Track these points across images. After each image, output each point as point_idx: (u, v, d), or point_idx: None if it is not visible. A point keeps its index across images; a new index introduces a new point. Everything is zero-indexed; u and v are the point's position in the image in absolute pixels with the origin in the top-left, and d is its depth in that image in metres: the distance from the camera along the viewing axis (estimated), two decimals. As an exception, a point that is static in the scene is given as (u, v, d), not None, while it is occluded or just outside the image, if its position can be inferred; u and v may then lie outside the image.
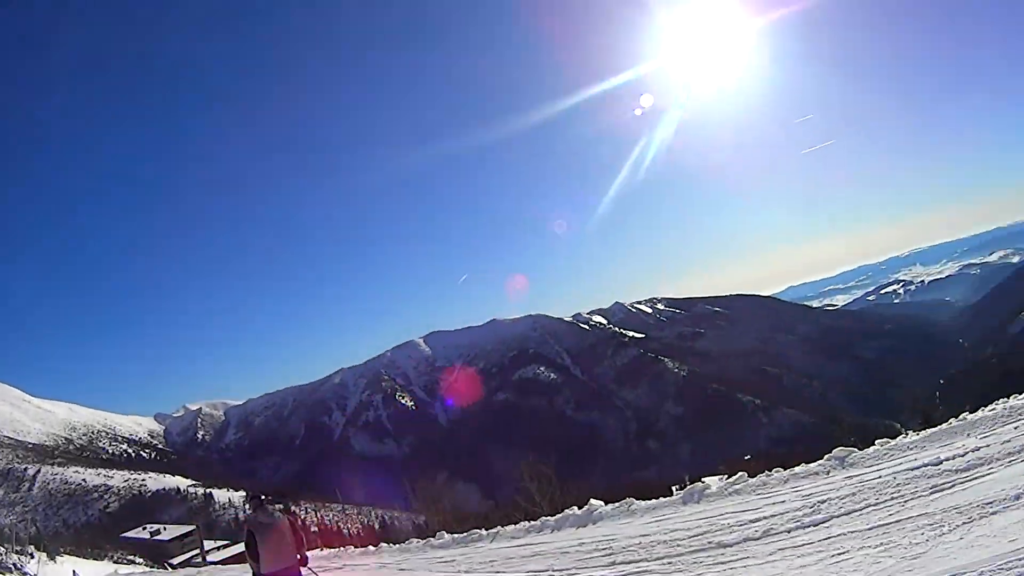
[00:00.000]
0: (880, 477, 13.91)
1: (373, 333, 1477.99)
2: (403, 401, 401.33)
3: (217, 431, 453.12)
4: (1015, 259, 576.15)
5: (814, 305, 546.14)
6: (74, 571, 53.45)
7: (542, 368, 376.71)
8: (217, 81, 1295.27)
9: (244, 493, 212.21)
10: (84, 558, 73.27)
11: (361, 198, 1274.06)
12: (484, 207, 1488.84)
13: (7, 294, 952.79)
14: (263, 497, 12.76)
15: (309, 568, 11.96)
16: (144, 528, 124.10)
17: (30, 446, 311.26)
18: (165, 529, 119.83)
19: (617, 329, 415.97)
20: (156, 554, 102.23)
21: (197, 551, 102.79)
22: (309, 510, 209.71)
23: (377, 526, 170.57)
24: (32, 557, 54.68)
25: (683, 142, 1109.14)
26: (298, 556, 11.83)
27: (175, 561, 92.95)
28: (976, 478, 11.98)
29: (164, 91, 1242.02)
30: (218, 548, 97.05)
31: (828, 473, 15.61)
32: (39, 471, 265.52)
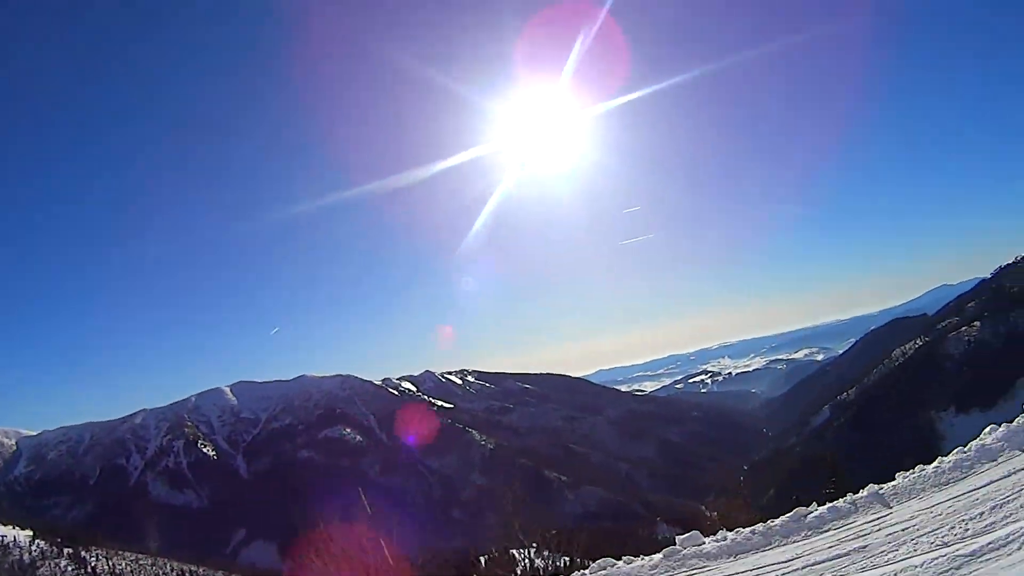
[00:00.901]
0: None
1: (178, 375, 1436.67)
2: (205, 450, 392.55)
3: (7, 461, 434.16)
4: (820, 357, 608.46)
5: (623, 389, 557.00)
6: None
7: (348, 429, 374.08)
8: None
9: (32, 533, 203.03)
10: None
11: (173, 235, 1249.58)
12: (300, 262, 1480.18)
13: None
14: None
15: None
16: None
17: None
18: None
19: (426, 397, 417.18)
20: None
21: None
22: (100, 557, 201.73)
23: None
24: None
25: (507, 221, 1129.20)
26: None
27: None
28: None
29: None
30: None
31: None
32: None
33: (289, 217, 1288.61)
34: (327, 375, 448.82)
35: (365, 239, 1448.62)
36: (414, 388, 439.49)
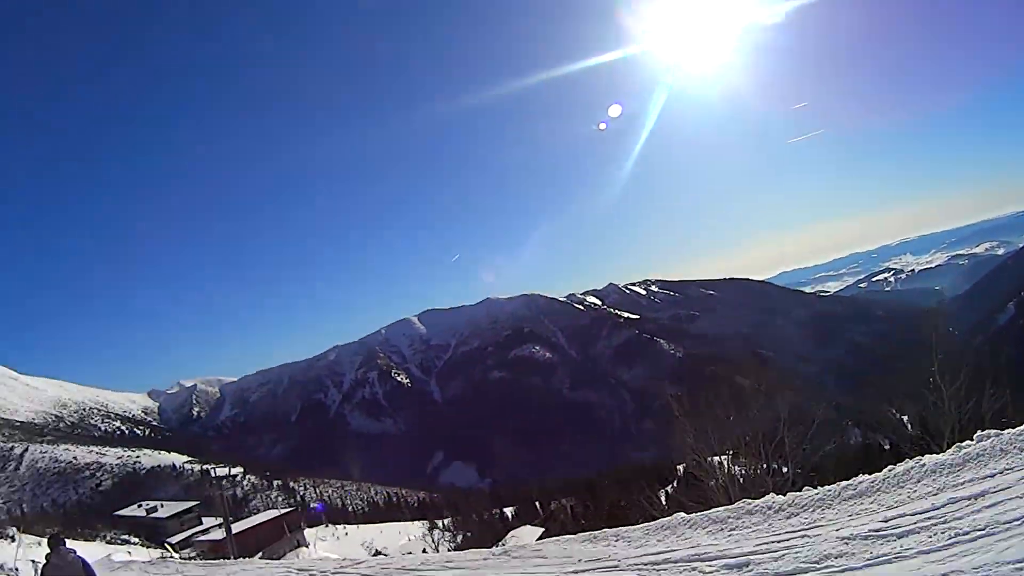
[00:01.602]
0: None
1: (367, 310, 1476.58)
2: (398, 378, 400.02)
3: (212, 407, 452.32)
4: (1001, 251, 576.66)
5: (806, 291, 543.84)
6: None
7: (537, 347, 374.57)
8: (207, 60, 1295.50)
9: (242, 469, 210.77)
10: (74, 538, 71.21)
11: (352, 174, 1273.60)
12: (478, 185, 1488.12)
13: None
14: (62, 539, 12.91)
15: None
16: (139, 506, 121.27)
17: (17, 424, 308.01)
18: (162, 506, 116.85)
19: (612, 310, 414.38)
20: (153, 532, 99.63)
21: (197, 528, 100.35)
22: (307, 486, 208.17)
23: (382, 503, 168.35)
24: (12, 540, 52.18)
25: (676, 126, 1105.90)
26: None
27: (173, 540, 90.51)
28: None
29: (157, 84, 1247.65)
30: (218, 525, 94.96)
31: None
32: (27, 450, 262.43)
33: (466, 134, 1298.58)
34: (511, 296, 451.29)
35: (534, 152, 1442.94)
36: (599, 302, 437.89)
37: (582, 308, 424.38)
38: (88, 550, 56.46)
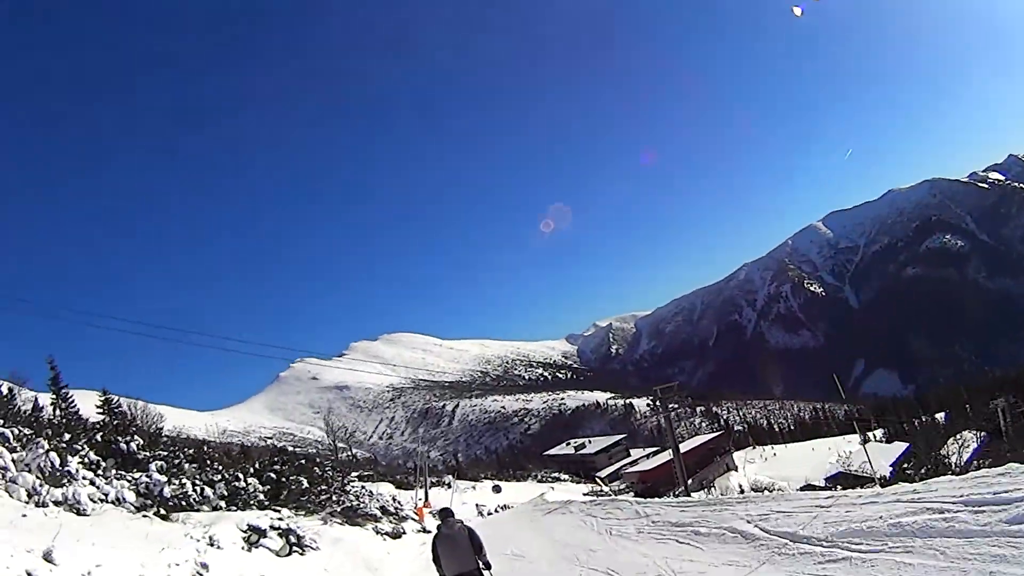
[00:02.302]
0: None
1: (770, 222, 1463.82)
2: (811, 288, 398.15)
3: (629, 343, 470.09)
4: None
5: None
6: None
7: (948, 236, 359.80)
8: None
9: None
10: (506, 480, 75.39)
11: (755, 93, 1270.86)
12: (867, 70, 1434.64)
13: (408, 263, 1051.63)
14: (450, 511, 14.28)
15: (489, 572, 13.15)
16: (568, 444, 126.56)
17: (446, 384, 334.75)
18: (590, 443, 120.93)
19: (1017, 184, 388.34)
20: (582, 468, 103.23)
21: (625, 461, 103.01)
22: (730, 410, 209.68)
23: (808, 419, 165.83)
24: (449, 487, 56.15)
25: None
26: (478, 561, 13.00)
27: (602, 473, 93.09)
28: None
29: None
30: (647, 456, 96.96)
31: None
32: (457, 406, 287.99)
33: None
34: (912, 184, 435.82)
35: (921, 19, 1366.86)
36: (1002, 177, 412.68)
37: (986, 186, 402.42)
38: (520, 490, 59.66)
